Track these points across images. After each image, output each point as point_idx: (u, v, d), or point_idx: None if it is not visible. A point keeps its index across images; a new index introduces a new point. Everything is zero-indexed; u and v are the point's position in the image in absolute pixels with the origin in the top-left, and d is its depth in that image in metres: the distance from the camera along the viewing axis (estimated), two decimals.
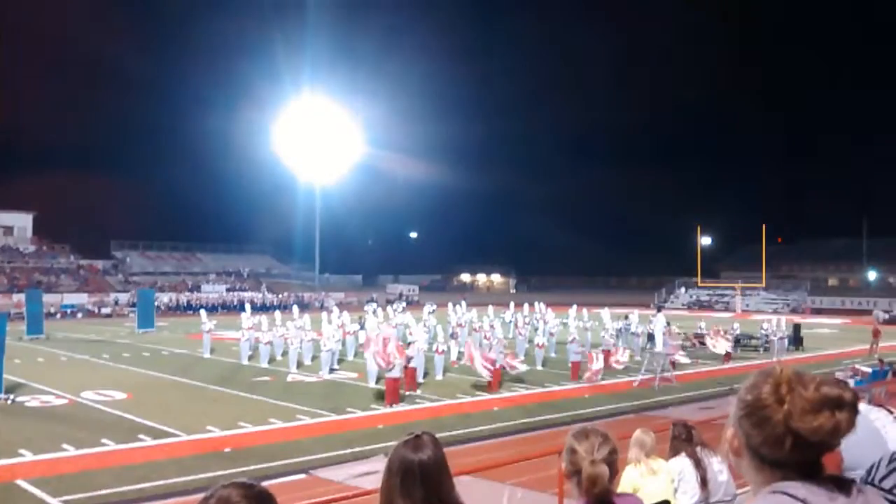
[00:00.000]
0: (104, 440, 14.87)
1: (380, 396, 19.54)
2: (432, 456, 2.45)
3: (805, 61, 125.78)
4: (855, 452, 2.83)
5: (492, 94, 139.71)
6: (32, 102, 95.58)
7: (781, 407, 1.53)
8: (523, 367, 22.37)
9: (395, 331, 24.10)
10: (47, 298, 47.39)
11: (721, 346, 27.72)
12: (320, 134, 65.45)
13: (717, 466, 6.41)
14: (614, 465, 2.96)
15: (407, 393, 20.14)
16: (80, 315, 54.90)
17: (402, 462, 2.44)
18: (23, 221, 74.10)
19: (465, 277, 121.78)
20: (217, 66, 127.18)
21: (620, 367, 24.56)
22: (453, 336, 28.93)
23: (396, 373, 19.24)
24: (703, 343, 32.01)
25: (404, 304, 45.87)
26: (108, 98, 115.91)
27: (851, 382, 15.80)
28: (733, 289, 70.57)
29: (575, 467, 2.93)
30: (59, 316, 52.39)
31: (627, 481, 5.86)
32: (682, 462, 6.35)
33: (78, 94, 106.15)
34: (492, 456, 12.90)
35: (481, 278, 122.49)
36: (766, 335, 31.89)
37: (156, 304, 48.87)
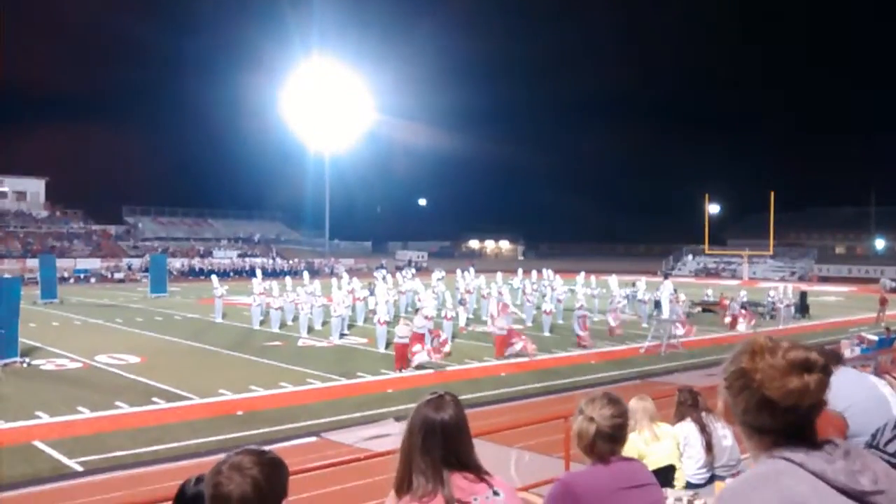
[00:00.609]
0: (118, 403, 15.13)
1: (389, 361, 19.74)
2: (454, 416, 2.51)
3: (812, 29, 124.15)
4: (861, 419, 2.94)
5: (500, 61, 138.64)
6: (44, 70, 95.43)
7: (756, 375, 1.60)
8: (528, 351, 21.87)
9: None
10: (60, 263, 47.72)
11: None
12: (330, 100, 65.20)
13: (722, 431, 6.49)
14: (619, 429, 3.07)
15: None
16: (93, 280, 55.30)
17: (424, 421, 2.49)
18: (35, 187, 74.41)
19: (474, 244, 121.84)
20: (227, 31, 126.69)
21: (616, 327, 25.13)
22: (462, 302, 29.10)
23: (404, 339, 19.39)
24: (708, 310, 32.17)
25: (413, 270, 45.99)
26: (119, 65, 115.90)
27: (857, 350, 15.84)
28: (740, 256, 70.43)
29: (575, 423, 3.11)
30: (72, 281, 52.76)
31: (631, 448, 5.96)
32: (688, 427, 6.45)
33: (89, 61, 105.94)
34: (499, 420, 13.08)
35: (490, 245, 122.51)
36: (773, 303, 31.97)
37: (168, 269, 49.20)
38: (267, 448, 2.27)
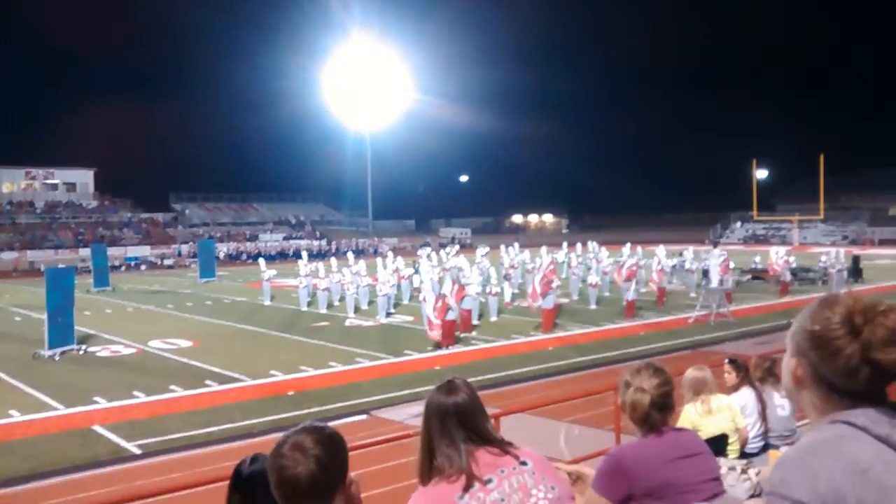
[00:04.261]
0: (172, 386, 15.43)
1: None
2: (467, 397, 2.51)
3: None
4: None
5: (539, 36, 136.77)
6: (89, 60, 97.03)
7: (857, 338, 1.49)
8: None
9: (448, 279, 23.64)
10: (111, 252, 48.63)
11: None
12: (370, 81, 65.32)
13: (779, 401, 6.42)
14: (667, 397, 3.05)
15: (462, 335, 20.40)
16: (143, 267, 56.29)
17: (438, 406, 2.50)
18: (85, 178, 75.99)
19: (517, 219, 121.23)
20: (267, 14, 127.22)
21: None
22: (507, 278, 29.06)
23: (452, 315, 19.45)
24: (758, 277, 31.68)
25: (457, 247, 46.02)
26: (161, 53, 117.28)
27: None
28: (790, 222, 69.14)
29: (623, 397, 3.11)
30: (123, 269, 53.78)
31: (686, 420, 5.89)
32: (746, 395, 6.39)
33: (133, 49, 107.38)
34: (548, 394, 13.06)
35: (533, 219, 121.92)
36: (825, 268, 31.35)
37: (216, 254, 49.93)
38: (323, 424, 2.26)
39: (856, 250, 42.77)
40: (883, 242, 63.23)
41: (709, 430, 5.76)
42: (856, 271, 33.31)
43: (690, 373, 6.07)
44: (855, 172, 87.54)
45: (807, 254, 44.48)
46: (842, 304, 1.54)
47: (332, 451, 2.15)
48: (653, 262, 28.48)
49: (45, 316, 19.56)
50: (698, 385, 5.97)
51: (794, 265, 30.89)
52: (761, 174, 70.52)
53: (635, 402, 3.02)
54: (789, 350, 1.62)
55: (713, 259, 25.21)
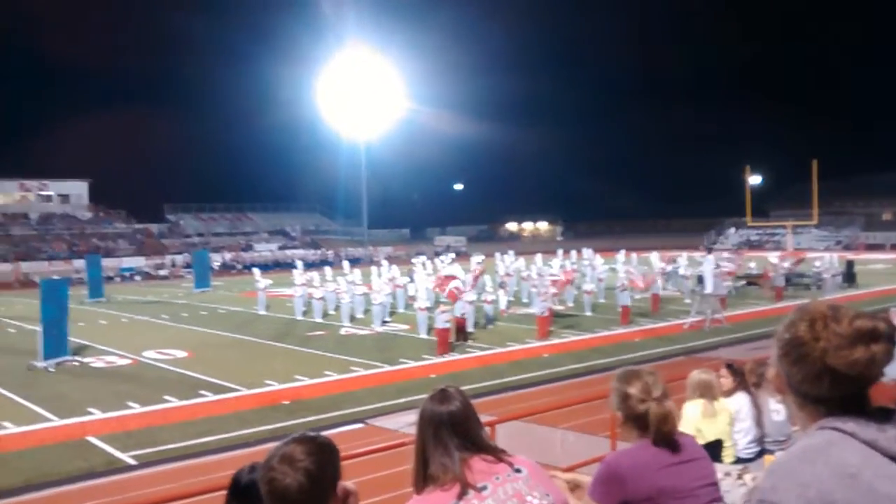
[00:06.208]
0: (167, 397, 15.39)
1: (431, 347, 19.80)
2: (460, 405, 2.53)
3: None
4: None
5: (534, 46, 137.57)
6: (83, 72, 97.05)
7: (818, 344, 1.53)
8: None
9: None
10: (106, 263, 48.43)
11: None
12: (364, 89, 65.33)
13: (774, 406, 6.40)
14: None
15: (457, 343, 20.37)
16: (138, 278, 56.03)
17: (432, 415, 2.52)
18: (79, 189, 75.62)
19: (512, 226, 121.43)
20: (261, 24, 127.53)
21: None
22: (502, 285, 29.07)
23: (446, 324, 19.45)
24: (752, 283, 31.73)
25: (452, 255, 45.98)
26: (156, 63, 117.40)
27: None
28: (784, 227, 69.26)
29: (631, 411, 2.95)
30: (118, 279, 53.51)
31: (687, 420, 5.86)
32: (741, 400, 6.38)
33: (127, 60, 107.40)
34: (543, 401, 13.05)
35: (528, 227, 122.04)
36: (819, 273, 31.40)
37: (210, 264, 49.80)
38: (315, 433, 2.27)
39: (849, 255, 42.87)
40: (876, 247, 63.34)
41: (709, 433, 5.75)
42: (849, 276, 33.38)
43: (697, 375, 6.05)
44: (848, 177, 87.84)
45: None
46: (810, 311, 1.58)
47: (322, 461, 2.16)
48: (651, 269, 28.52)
49: (39, 327, 19.51)
50: (704, 388, 5.96)
51: (784, 269, 30.92)
52: (754, 180, 70.58)
53: (664, 414, 2.89)
54: (771, 358, 1.66)
55: (707, 265, 25.23)
